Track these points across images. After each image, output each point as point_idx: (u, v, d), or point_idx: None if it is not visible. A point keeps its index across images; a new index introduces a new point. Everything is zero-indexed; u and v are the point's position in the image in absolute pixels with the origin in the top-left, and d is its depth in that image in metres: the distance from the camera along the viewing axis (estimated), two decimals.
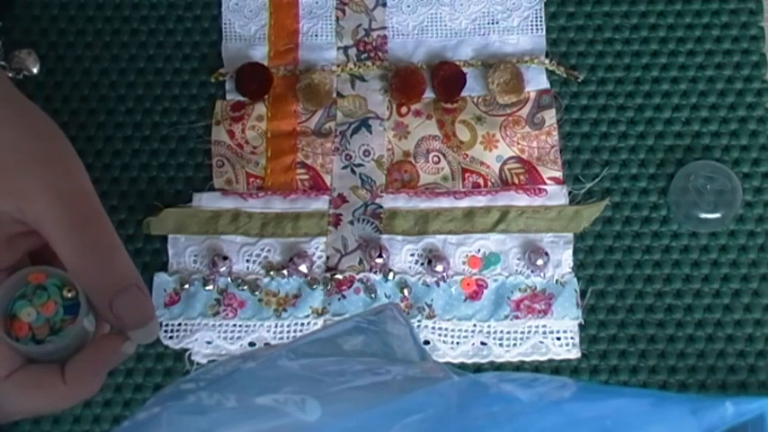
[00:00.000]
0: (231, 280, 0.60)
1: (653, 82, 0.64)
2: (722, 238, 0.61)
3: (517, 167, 0.62)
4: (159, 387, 0.59)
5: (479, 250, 0.61)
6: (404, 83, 0.63)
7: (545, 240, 0.61)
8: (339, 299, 0.60)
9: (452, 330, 0.59)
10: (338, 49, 0.65)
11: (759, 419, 0.36)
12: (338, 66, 0.65)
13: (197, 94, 0.65)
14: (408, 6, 0.66)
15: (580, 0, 0.65)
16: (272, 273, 0.60)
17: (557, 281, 0.60)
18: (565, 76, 0.64)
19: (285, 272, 0.60)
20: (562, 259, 0.60)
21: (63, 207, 0.46)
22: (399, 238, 0.61)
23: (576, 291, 0.60)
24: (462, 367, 0.58)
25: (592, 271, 0.61)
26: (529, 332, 0.59)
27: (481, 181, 0.62)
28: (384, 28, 0.66)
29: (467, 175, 0.62)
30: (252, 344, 0.60)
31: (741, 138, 0.62)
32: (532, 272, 0.60)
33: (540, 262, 0.60)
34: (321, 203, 0.62)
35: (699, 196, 0.60)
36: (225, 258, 0.60)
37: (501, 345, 0.59)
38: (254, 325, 0.60)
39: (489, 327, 0.59)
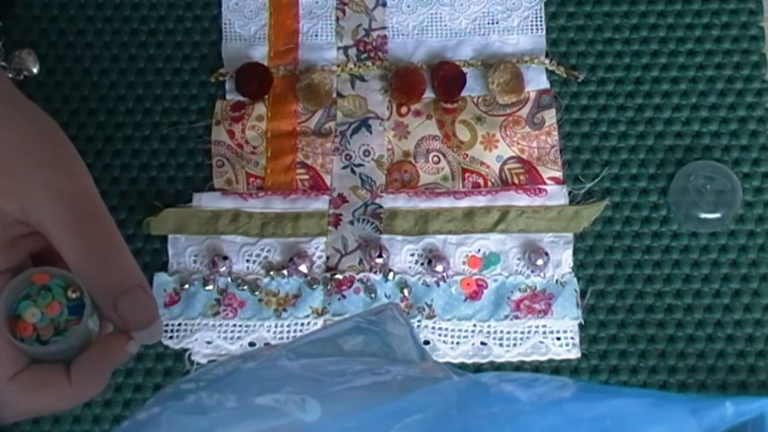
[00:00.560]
0: (231, 280, 0.60)
1: (653, 82, 0.64)
2: (722, 238, 0.61)
3: (517, 167, 0.62)
4: (159, 387, 0.59)
5: (479, 250, 0.61)
6: (404, 83, 0.63)
7: (545, 240, 0.61)
8: (339, 299, 0.60)
9: (452, 330, 0.59)
10: (338, 49, 0.65)
11: (759, 419, 0.36)
12: (338, 66, 0.65)
13: (197, 94, 0.65)
14: (408, 6, 0.66)
15: (580, 0, 0.65)
16: (272, 273, 0.60)
17: (557, 281, 0.60)
18: (565, 76, 0.64)
19: (285, 272, 0.60)
20: (562, 259, 0.60)
21: (66, 208, 0.46)
22: (399, 238, 0.61)
23: (575, 291, 0.60)
24: (462, 367, 0.58)
25: (592, 271, 0.61)
26: (529, 332, 0.59)
27: (481, 181, 0.62)
28: (384, 28, 0.66)
29: (467, 175, 0.62)
30: (252, 344, 0.60)
31: (741, 138, 0.62)
32: (532, 272, 0.60)
33: (540, 262, 0.60)
34: (321, 203, 0.62)
35: (699, 196, 0.60)
36: (225, 258, 0.60)
37: (501, 345, 0.59)
38: (254, 325, 0.60)
39: (489, 327, 0.59)
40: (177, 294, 0.60)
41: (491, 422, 0.35)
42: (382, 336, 0.43)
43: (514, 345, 0.59)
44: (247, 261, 0.61)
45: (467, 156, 0.63)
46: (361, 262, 0.60)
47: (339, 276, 0.60)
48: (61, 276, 0.48)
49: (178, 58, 0.65)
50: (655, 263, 0.60)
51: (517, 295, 0.60)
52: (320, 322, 0.59)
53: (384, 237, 0.61)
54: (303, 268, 0.60)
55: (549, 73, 0.64)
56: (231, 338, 0.60)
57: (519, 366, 0.59)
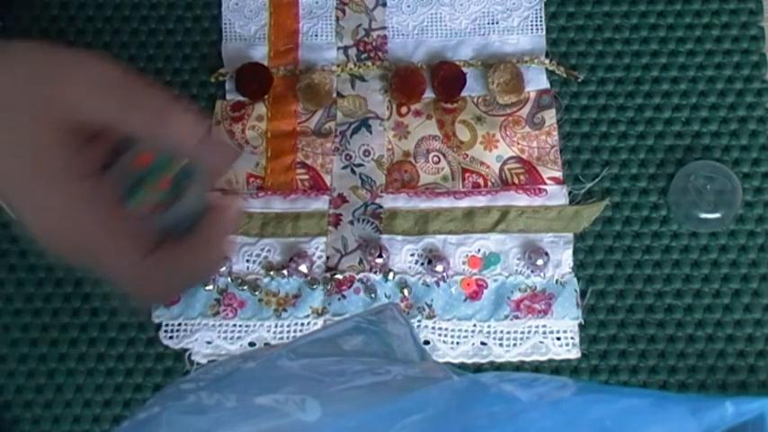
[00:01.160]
0: (231, 280, 0.60)
1: (653, 82, 0.64)
2: (722, 238, 0.61)
3: (517, 167, 0.62)
4: (159, 387, 0.59)
5: (479, 250, 0.61)
6: (404, 83, 0.63)
7: (545, 240, 0.61)
8: (339, 299, 0.60)
9: (452, 330, 0.59)
10: (338, 49, 0.65)
11: (759, 419, 0.36)
12: (338, 66, 0.65)
13: (197, 94, 0.65)
14: (408, 6, 0.66)
15: (580, 0, 0.65)
16: (272, 273, 0.60)
17: (557, 281, 0.60)
18: (565, 76, 0.64)
19: (285, 272, 0.60)
20: (562, 259, 0.60)
21: (115, 92, 0.48)
22: (399, 238, 0.61)
23: (576, 291, 0.60)
24: (462, 367, 0.58)
25: (592, 271, 0.61)
26: (529, 332, 0.59)
27: (481, 181, 0.62)
28: (384, 28, 0.66)
29: (467, 175, 0.62)
30: (252, 344, 0.60)
31: (741, 138, 0.62)
32: (532, 272, 0.60)
33: (540, 262, 0.60)
34: (321, 203, 0.62)
35: (699, 196, 0.60)
36: (225, 258, 0.60)
37: (501, 345, 0.59)
38: (254, 325, 0.60)
39: (489, 327, 0.59)
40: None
41: (491, 422, 0.35)
42: (382, 336, 0.43)
43: (514, 345, 0.59)
44: (247, 261, 0.61)
45: (467, 156, 0.63)
46: (361, 262, 0.60)
47: (339, 276, 0.60)
48: (163, 150, 0.48)
49: (178, 58, 0.65)
50: (655, 263, 0.61)
51: (517, 295, 0.60)
52: (320, 322, 0.59)
53: (384, 237, 0.61)
54: (303, 268, 0.60)
55: (549, 73, 0.64)
56: (231, 338, 0.60)
57: (519, 366, 0.59)
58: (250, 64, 0.64)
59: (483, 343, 0.59)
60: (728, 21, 0.64)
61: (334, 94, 0.64)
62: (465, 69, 0.64)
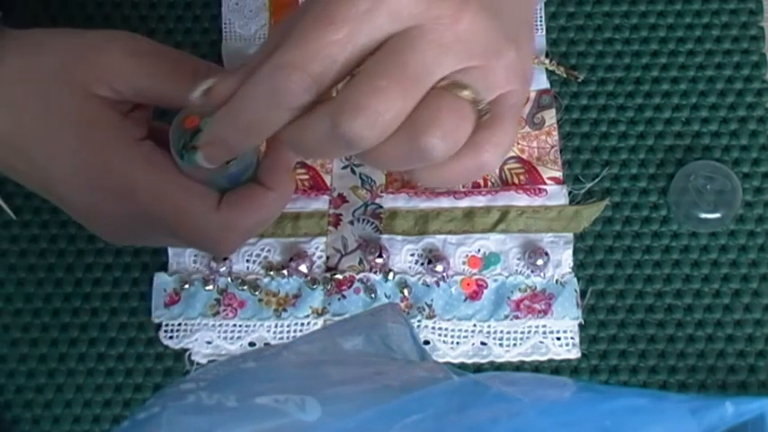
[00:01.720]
0: (231, 280, 0.60)
1: (653, 82, 0.64)
2: (722, 238, 0.61)
3: (517, 167, 0.62)
4: (159, 387, 0.59)
5: (479, 250, 0.61)
6: None
7: (545, 240, 0.61)
8: (339, 299, 0.60)
9: (452, 330, 0.59)
10: None
11: (759, 419, 0.36)
12: None
13: None
14: None
15: (580, 0, 0.65)
16: (272, 273, 0.60)
17: (557, 281, 0.60)
18: (565, 76, 0.64)
19: (285, 272, 0.60)
20: (562, 259, 0.60)
21: (143, 64, 0.49)
22: (399, 238, 0.61)
23: (576, 291, 0.60)
24: (462, 367, 0.58)
25: (592, 271, 0.61)
26: (529, 332, 0.59)
27: (481, 181, 0.62)
28: None
29: None
30: (252, 344, 0.60)
31: (741, 138, 0.62)
32: (532, 272, 0.60)
33: (540, 262, 0.60)
34: (321, 203, 0.62)
35: (699, 196, 0.60)
36: (225, 258, 0.60)
37: (501, 345, 0.59)
38: (254, 325, 0.60)
39: (489, 327, 0.59)
40: (177, 294, 0.60)
41: (491, 422, 0.35)
42: (382, 336, 0.43)
43: (514, 345, 0.59)
44: (247, 261, 0.61)
45: None
46: (361, 262, 0.60)
47: (339, 276, 0.60)
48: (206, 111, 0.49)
49: None
50: (655, 263, 0.61)
51: (517, 295, 0.60)
52: (320, 322, 0.59)
53: (384, 237, 0.61)
54: (303, 268, 0.60)
55: (549, 73, 0.64)
56: (231, 338, 0.60)
57: (519, 366, 0.59)
58: None
59: (483, 343, 0.59)
60: (728, 21, 0.64)
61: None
62: None
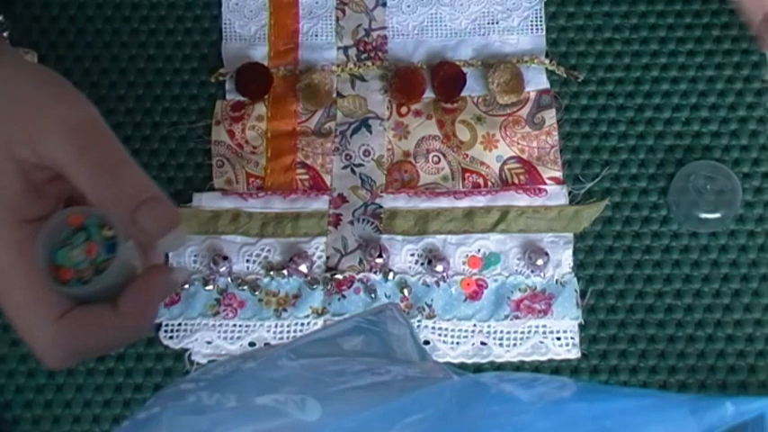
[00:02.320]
0: (231, 280, 0.60)
1: (653, 82, 0.64)
2: (722, 238, 0.61)
3: (517, 167, 0.62)
4: (159, 387, 0.59)
5: (479, 250, 0.61)
6: (404, 83, 0.63)
7: (545, 240, 0.61)
8: (339, 299, 0.60)
9: (452, 330, 0.59)
10: (338, 49, 0.65)
11: (759, 419, 0.36)
12: (338, 66, 0.65)
13: (197, 94, 0.65)
14: (408, 6, 0.66)
15: (580, 0, 0.65)
16: (272, 273, 0.60)
17: (557, 281, 0.60)
18: (565, 76, 0.64)
19: (285, 272, 0.60)
20: (562, 259, 0.60)
21: (72, 137, 0.47)
22: (399, 238, 0.61)
23: (576, 291, 0.60)
24: (462, 367, 0.58)
25: (592, 271, 0.61)
26: (529, 332, 0.59)
27: (481, 181, 0.62)
28: (384, 28, 0.66)
29: (467, 175, 0.62)
30: (252, 344, 0.60)
31: (741, 138, 0.62)
32: (532, 272, 0.60)
33: (540, 262, 0.60)
34: (321, 203, 0.62)
35: (699, 196, 0.60)
36: (225, 258, 0.60)
37: (501, 345, 0.59)
38: (254, 325, 0.60)
39: (489, 327, 0.59)
40: (177, 294, 0.60)
41: (491, 422, 0.35)
42: (382, 336, 0.43)
43: (514, 345, 0.59)
44: (247, 261, 0.61)
45: (467, 156, 0.63)
46: (361, 262, 0.60)
47: (339, 276, 0.60)
48: (96, 216, 0.48)
49: (178, 58, 0.65)
50: (655, 263, 0.61)
51: (517, 295, 0.60)
52: (320, 322, 0.59)
53: (384, 237, 0.61)
54: (303, 268, 0.60)
55: (549, 73, 0.64)
56: (231, 338, 0.60)
57: (519, 366, 0.59)
58: (250, 64, 0.64)
59: (483, 343, 0.59)
60: (728, 21, 0.64)
61: (335, 94, 0.64)
62: (465, 69, 0.64)
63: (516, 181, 0.62)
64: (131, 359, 0.60)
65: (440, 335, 0.59)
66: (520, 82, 0.63)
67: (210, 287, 0.60)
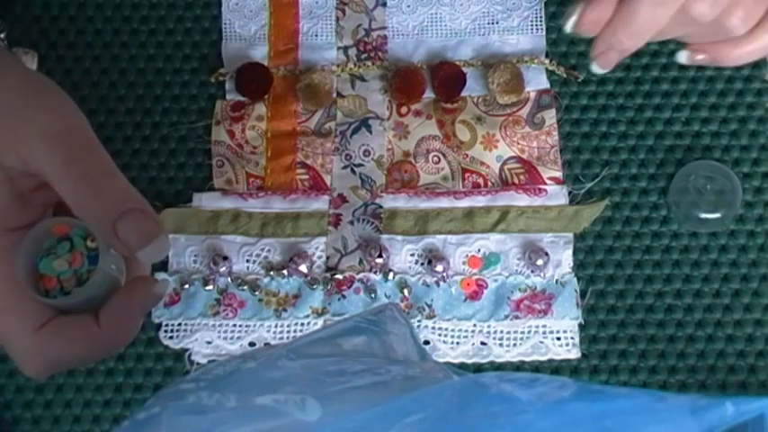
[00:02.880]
0: (231, 280, 0.60)
1: (653, 82, 0.64)
2: (722, 238, 0.61)
3: (517, 167, 0.62)
4: (159, 387, 0.59)
5: (479, 250, 0.61)
6: (404, 83, 0.64)
7: (545, 240, 0.61)
8: (339, 299, 0.60)
9: (452, 330, 0.59)
10: (338, 49, 0.65)
11: (759, 419, 0.36)
12: (338, 66, 0.65)
13: (197, 94, 0.65)
14: (408, 6, 0.66)
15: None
16: (272, 273, 0.60)
17: (557, 281, 0.60)
18: (565, 76, 0.64)
19: (285, 272, 0.60)
20: (562, 259, 0.60)
21: (58, 146, 0.46)
22: (399, 238, 0.61)
23: (576, 291, 0.60)
24: (462, 367, 0.58)
25: (592, 271, 0.61)
26: (529, 332, 0.59)
27: (481, 181, 0.62)
28: (384, 28, 0.66)
29: (467, 175, 0.62)
30: (252, 344, 0.60)
31: (741, 138, 0.62)
32: (532, 272, 0.60)
33: (540, 262, 0.60)
34: (321, 203, 0.62)
35: (699, 196, 0.60)
36: (225, 258, 0.60)
37: (501, 345, 0.59)
38: (254, 325, 0.60)
39: (489, 327, 0.59)
40: (177, 294, 0.60)
41: (491, 422, 0.35)
42: (382, 336, 0.43)
43: (514, 345, 0.59)
44: (247, 261, 0.61)
45: (467, 156, 0.63)
46: (361, 262, 0.60)
47: (339, 276, 0.60)
48: (80, 226, 0.47)
49: (178, 58, 0.65)
50: (655, 263, 0.61)
51: (517, 295, 0.60)
52: (320, 322, 0.59)
53: (384, 237, 0.61)
54: (303, 268, 0.60)
55: (549, 73, 0.64)
56: (231, 338, 0.60)
57: (519, 366, 0.59)
58: (250, 64, 0.64)
59: (483, 343, 0.59)
60: None
61: (335, 94, 0.64)
62: (465, 69, 0.64)
63: (516, 181, 0.62)
64: (131, 359, 0.60)
65: (440, 335, 0.59)
66: (520, 82, 0.63)
67: (210, 287, 0.60)
